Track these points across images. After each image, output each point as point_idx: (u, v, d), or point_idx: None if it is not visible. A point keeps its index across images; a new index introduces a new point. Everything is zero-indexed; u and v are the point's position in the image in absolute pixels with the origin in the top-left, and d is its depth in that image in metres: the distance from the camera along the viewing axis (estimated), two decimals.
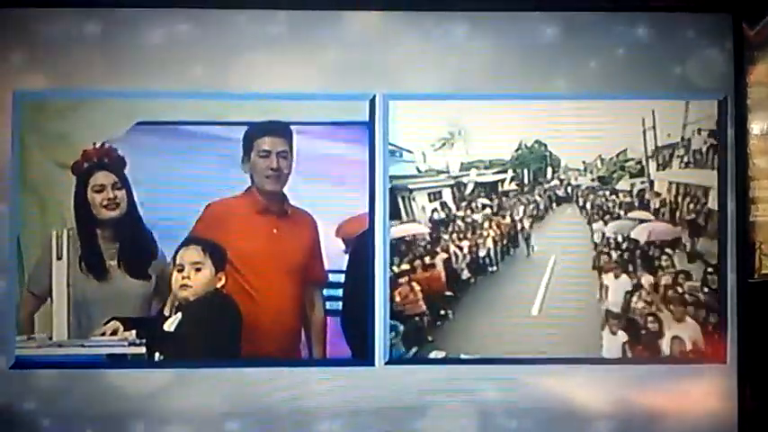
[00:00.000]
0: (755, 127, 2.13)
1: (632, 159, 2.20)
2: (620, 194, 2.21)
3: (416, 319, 2.14)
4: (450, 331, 2.14)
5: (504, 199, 2.20)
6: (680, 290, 2.17)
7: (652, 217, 2.20)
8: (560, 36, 2.17)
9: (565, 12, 2.17)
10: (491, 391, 2.13)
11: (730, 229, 2.16)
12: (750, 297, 2.13)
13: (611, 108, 2.17)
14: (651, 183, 2.21)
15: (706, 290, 2.17)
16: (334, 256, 2.15)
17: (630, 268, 2.18)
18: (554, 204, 2.22)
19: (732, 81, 2.16)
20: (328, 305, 2.16)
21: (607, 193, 2.21)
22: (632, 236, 2.19)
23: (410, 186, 2.16)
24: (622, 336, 2.15)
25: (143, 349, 2.09)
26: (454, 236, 2.18)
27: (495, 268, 2.18)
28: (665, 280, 2.17)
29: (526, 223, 2.20)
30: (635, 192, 2.21)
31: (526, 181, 2.21)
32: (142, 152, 2.12)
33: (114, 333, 2.09)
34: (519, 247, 2.20)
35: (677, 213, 2.19)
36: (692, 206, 2.19)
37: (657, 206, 2.20)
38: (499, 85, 2.16)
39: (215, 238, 2.11)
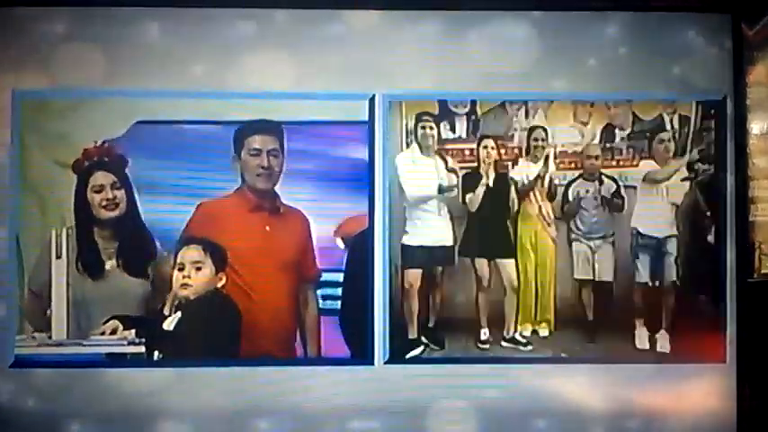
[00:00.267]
0: (755, 127, 2.14)
1: None
2: None
3: None
4: None
5: None
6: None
7: None
8: (560, 36, 2.17)
9: (564, 11, 2.17)
10: (491, 390, 2.13)
11: (729, 228, 2.16)
12: (749, 297, 2.13)
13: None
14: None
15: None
16: (333, 255, 2.15)
17: None
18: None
19: (731, 81, 2.16)
20: (328, 304, 2.16)
21: None
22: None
23: None
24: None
25: (142, 348, 2.09)
26: None
27: None
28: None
29: None
30: None
31: None
32: (142, 151, 2.12)
33: (114, 332, 2.09)
34: None
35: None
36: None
37: None
38: (499, 86, 2.16)
39: (208, 238, 2.11)
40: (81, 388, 2.08)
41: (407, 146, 2.17)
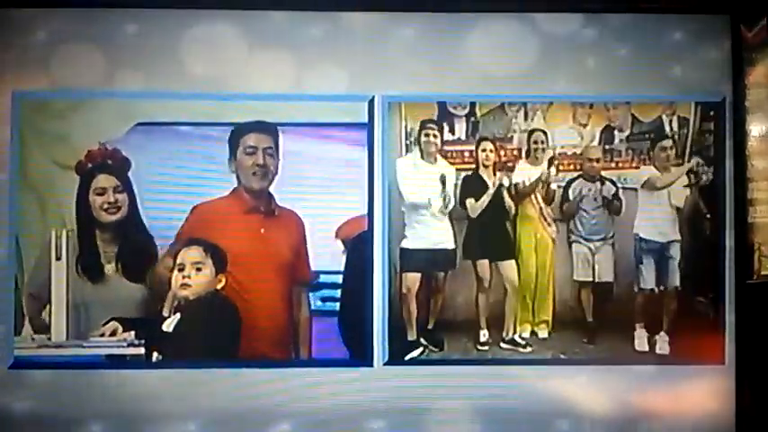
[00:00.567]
0: (754, 128, 2.14)
1: None
2: None
3: None
4: None
5: None
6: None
7: None
8: (559, 37, 2.17)
9: (564, 13, 2.17)
10: (490, 392, 2.13)
11: (728, 230, 2.16)
12: (748, 298, 2.13)
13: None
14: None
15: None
16: (332, 256, 2.15)
17: None
18: None
19: (730, 82, 2.16)
20: (327, 306, 2.16)
21: None
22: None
23: None
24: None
25: (142, 350, 2.09)
26: None
27: None
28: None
29: None
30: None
31: None
32: (142, 153, 2.12)
33: (113, 334, 2.09)
34: None
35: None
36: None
37: None
38: (498, 86, 2.17)
39: (208, 239, 2.11)
40: (80, 389, 2.08)
41: (407, 148, 2.17)
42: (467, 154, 2.19)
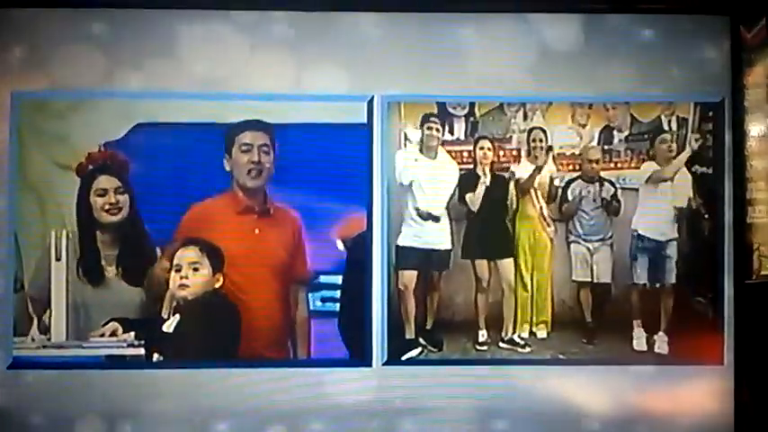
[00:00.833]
0: (753, 129, 2.14)
1: None
2: None
3: None
4: None
5: None
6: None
7: None
8: (558, 37, 2.17)
9: (563, 14, 2.17)
10: (490, 391, 2.13)
11: (727, 230, 2.16)
12: (747, 298, 2.13)
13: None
14: None
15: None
16: (332, 257, 2.15)
17: None
18: None
19: (729, 83, 2.16)
20: (326, 306, 2.16)
21: None
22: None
23: None
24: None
25: (142, 350, 2.09)
26: None
27: None
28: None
29: None
30: None
31: None
32: (142, 154, 2.12)
33: (113, 334, 2.09)
34: None
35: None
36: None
37: None
38: (498, 86, 2.17)
39: (204, 238, 2.11)
40: (80, 390, 2.08)
41: (405, 147, 2.18)
42: (465, 154, 2.19)
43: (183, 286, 2.09)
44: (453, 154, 2.19)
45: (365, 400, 2.12)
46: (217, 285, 2.10)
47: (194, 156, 2.13)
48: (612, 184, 2.20)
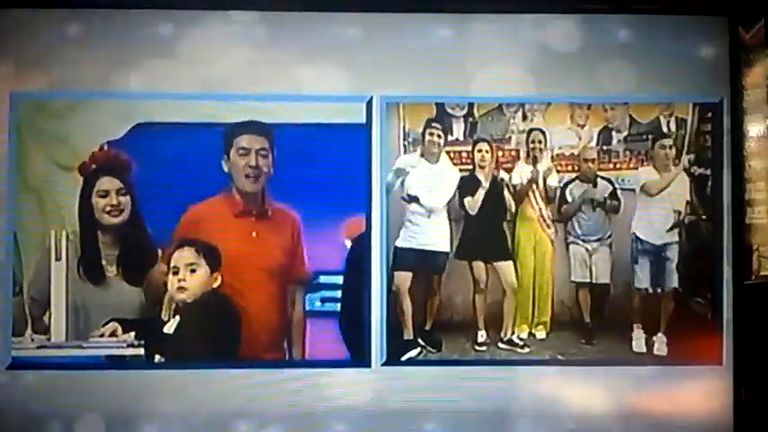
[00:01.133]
0: (752, 129, 2.13)
1: None
2: None
3: None
4: None
5: None
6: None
7: None
8: (557, 37, 2.17)
9: (562, 14, 2.17)
10: (489, 392, 2.13)
11: (726, 231, 2.16)
12: (746, 299, 2.13)
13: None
14: None
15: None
16: (331, 258, 2.15)
17: None
18: None
19: (728, 84, 2.17)
20: (326, 307, 2.16)
21: None
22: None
23: None
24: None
25: (141, 350, 2.09)
26: None
27: None
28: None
29: None
30: None
31: None
32: (142, 154, 2.12)
33: (113, 334, 2.09)
34: None
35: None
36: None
37: None
38: (497, 87, 2.17)
39: (200, 239, 2.11)
40: (80, 390, 2.08)
41: (405, 148, 2.18)
42: (464, 155, 2.19)
43: (181, 289, 2.09)
44: (452, 155, 2.19)
45: (364, 400, 2.12)
46: (215, 285, 2.10)
47: (194, 156, 2.13)
48: (611, 182, 2.20)
